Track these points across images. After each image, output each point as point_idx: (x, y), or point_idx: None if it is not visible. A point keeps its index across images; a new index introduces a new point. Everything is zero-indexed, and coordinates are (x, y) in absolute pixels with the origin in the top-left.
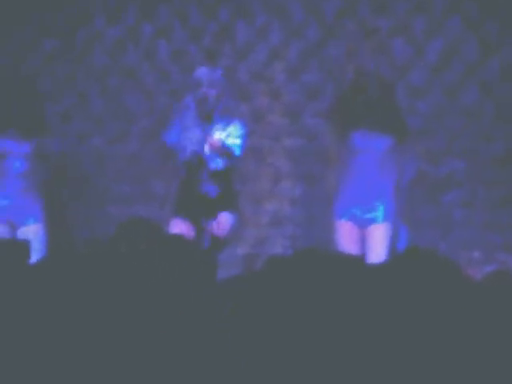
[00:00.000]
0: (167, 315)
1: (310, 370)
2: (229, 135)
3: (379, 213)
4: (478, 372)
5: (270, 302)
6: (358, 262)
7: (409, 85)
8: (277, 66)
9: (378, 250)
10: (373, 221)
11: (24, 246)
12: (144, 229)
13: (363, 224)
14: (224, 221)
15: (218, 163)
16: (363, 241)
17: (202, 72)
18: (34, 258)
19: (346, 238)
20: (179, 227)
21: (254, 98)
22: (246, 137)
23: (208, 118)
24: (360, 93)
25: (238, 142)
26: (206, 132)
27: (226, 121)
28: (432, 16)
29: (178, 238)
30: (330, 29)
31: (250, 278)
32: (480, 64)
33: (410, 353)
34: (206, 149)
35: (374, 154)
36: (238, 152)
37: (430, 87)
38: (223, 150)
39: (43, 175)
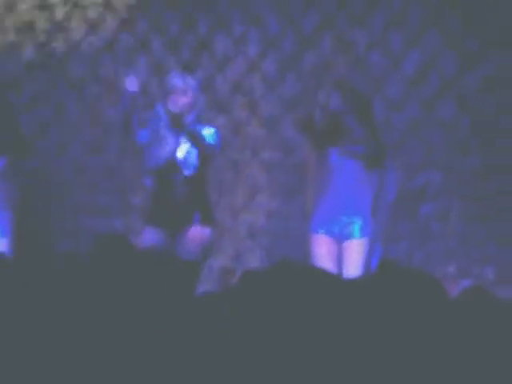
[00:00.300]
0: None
1: None
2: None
3: (356, 228)
4: None
5: (247, 318)
6: (333, 278)
7: (386, 98)
8: (255, 78)
9: (353, 264)
10: (349, 236)
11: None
12: (120, 242)
13: (340, 238)
14: (198, 235)
15: (191, 166)
16: (339, 255)
17: (174, 79)
18: None
19: (322, 251)
20: (151, 237)
21: (232, 109)
22: (218, 140)
23: (180, 126)
24: (343, 104)
25: (211, 132)
26: (178, 140)
27: (199, 129)
28: (409, 29)
29: (152, 249)
30: (307, 41)
31: (226, 295)
32: (457, 78)
33: (387, 369)
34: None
35: (352, 170)
36: (210, 141)
37: (407, 100)
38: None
39: (13, 191)
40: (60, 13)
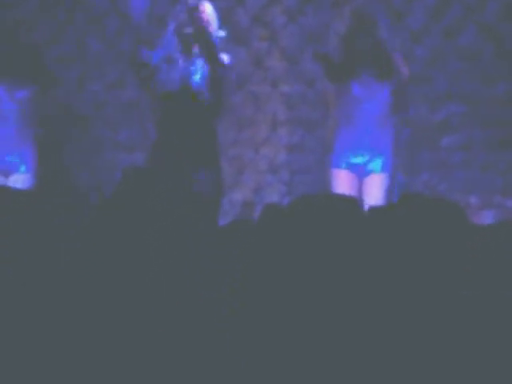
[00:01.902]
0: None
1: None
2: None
3: (377, 162)
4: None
5: (268, 253)
6: (354, 202)
7: (407, 28)
8: (275, 10)
9: (374, 198)
10: (371, 170)
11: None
12: (144, 176)
13: (361, 173)
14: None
15: (205, 91)
16: (360, 189)
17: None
18: None
19: (342, 186)
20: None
21: (251, 42)
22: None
23: (190, 44)
24: (358, 38)
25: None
26: (190, 64)
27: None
28: None
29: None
30: None
31: (247, 226)
32: (479, 5)
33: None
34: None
35: (375, 103)
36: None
37: (429, 30)
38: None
39: (40, 121)
40: None
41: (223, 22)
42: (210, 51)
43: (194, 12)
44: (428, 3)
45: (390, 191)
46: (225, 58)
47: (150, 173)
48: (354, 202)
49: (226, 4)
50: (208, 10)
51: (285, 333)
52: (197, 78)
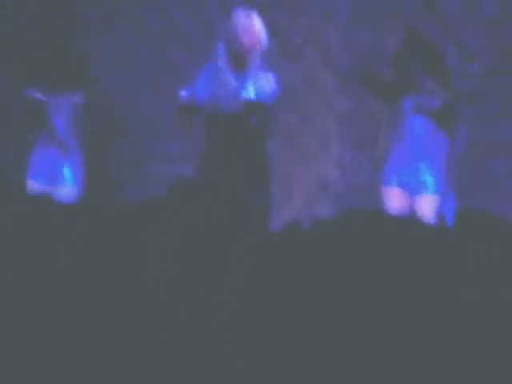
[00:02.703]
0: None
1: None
2: (261, 85)
3: (428, 181)
4: None
5: (317, 269)
6: (406, 221)
7: (460, 45)
8: (328, 26)
9: (426, 218)
10: (422, 189)
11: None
12: (192, 188)
13: (412, 191)
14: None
15: (252, 113)
16: (411, 208)
17: (237, 16)
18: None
19: (393, 204)
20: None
21: (304, 57)
22: (278, 88)
23: (241, 66)
24: (410, 53)
25: (271, 79)
26: (241, 82)
27: (261, 73)
28: None
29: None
30: None
31: (297, 240)
32: None
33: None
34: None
35: (426, 119)
36: (267, 89)
37: (483, 47)
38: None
39: (87, 133)
40: None
41: (275, 37)
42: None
43: (245, 28)
44: (481, 20)
45: (441, 211)
46: (272, 81)
47: (199, 187)
48: (407, 223)
49: (279, 18)
50: (258, 26)
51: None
52: (248, 95)
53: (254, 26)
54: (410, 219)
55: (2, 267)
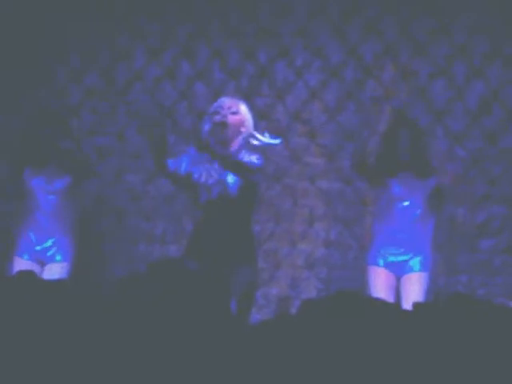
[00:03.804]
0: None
1: None
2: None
3: (416, 262)
4: None
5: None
6: (391, 308)
7: (447, 129)
8: (314, 107)
9: (412, 298)
10: (409, 269)
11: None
12: (174, 266)
13: (399, 271)
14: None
15: (237, 194)
16: (397, 288)
17: (222, 100)
18: None
19: (379, 284)
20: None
21: (291, 137)
22: (260, 165)
23: (225, 145)
24: (396, 137)
25: (253, 159)
26: (223, 164)
27: (244, 155)
28: (472, 60)
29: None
30: (367, 70)
31: (283, 322)
32: None
33: None
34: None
35: (413, 201)
36: (252, 167)
37: (470, 132)
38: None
39: (75, 212)
40: (122, 41)
41: (263, 118)
42: (235, 164)
43: (231, 113)
44: (469, 105)
45: (428, 291)
46: (254, 159)
47: (179, 265)
48: (390, 307)
49: (265, 101)
50: (243, 111)
51: None
52: (230, 179)
53: (223, 111)
54: (394, 304)
55: None
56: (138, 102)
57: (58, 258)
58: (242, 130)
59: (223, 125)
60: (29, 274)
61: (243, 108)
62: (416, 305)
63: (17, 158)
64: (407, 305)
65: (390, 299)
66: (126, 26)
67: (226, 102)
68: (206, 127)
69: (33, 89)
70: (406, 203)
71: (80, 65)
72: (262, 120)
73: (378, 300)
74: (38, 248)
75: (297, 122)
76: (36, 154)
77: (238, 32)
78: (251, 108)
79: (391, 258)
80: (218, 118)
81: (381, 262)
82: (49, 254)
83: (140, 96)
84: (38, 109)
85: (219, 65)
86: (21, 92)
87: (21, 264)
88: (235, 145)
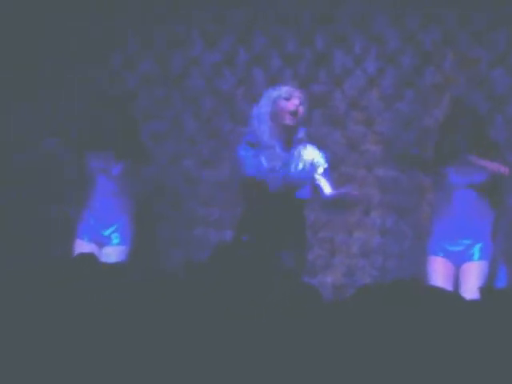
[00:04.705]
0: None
1: None
2: (314, 163)
3: (475, 250)
4: None
5: (355, 332)
6: (451, 296)
7: (507, 117)
8: (372, 94)
9: (471, 288)
10: (468, 258)
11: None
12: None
13: (458, 261)
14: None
15: (305, 193)
16: (457, 278)
17: (291, 89)
18: None
19: (438, 274)
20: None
21: (348, 125)
22: (326, 160)
23: (289, 134)
24: (455, 125)
25: (317, 153)
26: (287, 152)
27: (304, 144)
28: None
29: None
30: (427, 57)
31: (339, 307)
32: None
33: None
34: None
35: (472, 189)
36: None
37: None
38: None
39: (133, 196)
40: (179, 27)
41: (320, 105)
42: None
43: (288, 102)
44: None
45: (489, 280)
46: (318, 158)
47: (237, 251)
48: (450, 296)
49: (323, 88)
50: (299, 100)
51: None
52: (292, 168)
53: (295, 101)
54: (454, 293)
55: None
56: (194, 87)
57: (116, 241)
58: (304, 119)
59: (295, 114)
60: (89, 256)
61: (299, 100)
62: (482, 290)
63: (77, 143)
64: (466, 293)
65: (449, 289)
66: (183, 12)
67: (296, 92)
68: (266, 114)
69: (91, 75)
70: (465, 191)
71: (136, 51)
72: (319, 107)
73: (437, 288)
74: (97, 231)
75: (354, 109)
76: (95, 139)
77: (295, 18)
78: (307, 94)
79: (451, 248)
80: (291, 106)
81: (440, 252)
82: (107, 236)
83: (196, 82)
84: (96, 95)
85: (277, 51)
86: (79, 78)
87: (81, 246)
88: (299, 134)
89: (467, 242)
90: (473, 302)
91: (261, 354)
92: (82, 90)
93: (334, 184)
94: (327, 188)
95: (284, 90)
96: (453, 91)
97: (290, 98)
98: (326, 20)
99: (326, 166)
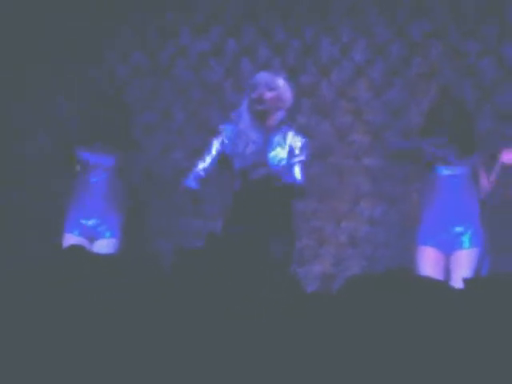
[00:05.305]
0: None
1: None
2: (292, 148)
3: (466, 238)
4: None
5: (344, 322)
6: (440, 285)
7: (495, 107)
8: (360, 84)
9: (462, 276)
10: (459, 246)
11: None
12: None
13: (448, 249)
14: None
15: (280, 172)
16: (447, 266)
17: (260, 75)
18: None
19: (427, 263)
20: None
21: (336, 115)
22: (307, 149)
23: (262, 120)
24: (441, 114)
25: (299, 141)
26: (263, 136)
27: (284, 130)
28: None
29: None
30: (415, 47)
31: (326, 297)
32: None
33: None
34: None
35: (459, 177)
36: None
37: None
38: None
39: (124, 188)
40: (168, 17)
41: (308, 95)
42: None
43: (268, 89)
44: None
45: (479, 267)
46: (298, 142)
47: (226, 240)
48: (439, 285)
49: (311, 78)
50: (280, 87)
51: None
52: (271, 154)
53: (276, 85)
54: (442, 282)
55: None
56: (182, 78)
57: (108, 234)
58: (280, 105)
59: (259, 101)
60: (79, 248)
61: (281, 83)
62: (467, 281)
63: (68, 136)
64: (457, 283)
65: (439, 278)
66: (173, 2)
67: (263, 77)
68: (244, 102)
69: (83, 69)
70: (452, 179)
71: (127, 42)
72: (307, 97)
73: (426, 278)
74: (87, 224)
75: (342, 99)
76: (86, 132)
77: (283, 9)
78: (295, 84)
79: (441, 236)
80: (254, 94)
81: (429, 241)
82: (98, 230)
83: (184, 72)
84: (88, 88)
85: (265, 42)
86: (72, 73)
87: (71, 240)
88: (274, 120)
89: (459, 229)
90: (461, 291)
91: (253, 346)
92: (72, 83)
93: (323, 174)
94: (298, 175)
95: (251, 80)
96: (439, 80)
97: (255, 87)
98: (314, 10)
99: (302, 158)
